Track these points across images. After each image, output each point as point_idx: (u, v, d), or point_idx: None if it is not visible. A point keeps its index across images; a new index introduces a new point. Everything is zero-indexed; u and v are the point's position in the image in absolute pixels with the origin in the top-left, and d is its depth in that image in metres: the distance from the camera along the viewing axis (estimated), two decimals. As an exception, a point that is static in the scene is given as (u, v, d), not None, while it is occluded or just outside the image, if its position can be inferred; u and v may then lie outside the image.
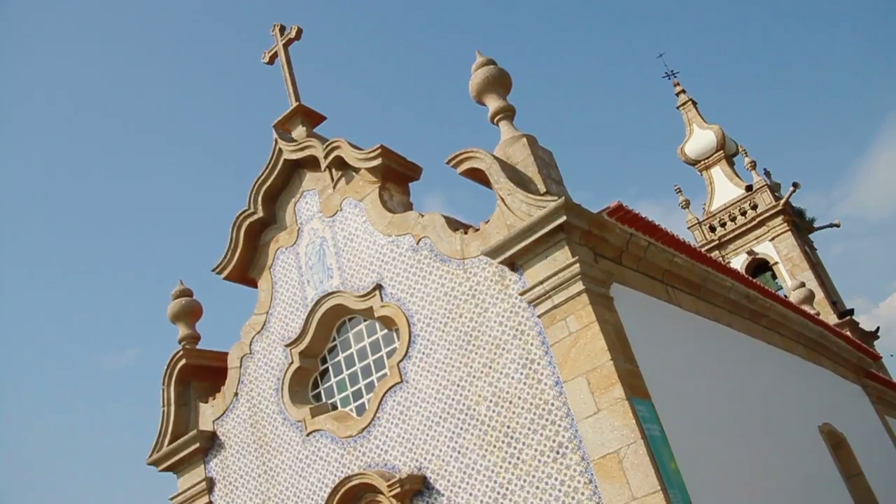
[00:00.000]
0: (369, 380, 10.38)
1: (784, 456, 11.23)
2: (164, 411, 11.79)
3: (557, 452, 8.13)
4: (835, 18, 63.73)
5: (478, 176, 9.41)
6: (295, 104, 11.99)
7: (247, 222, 11.75)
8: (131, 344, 52.27)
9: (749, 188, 28.64)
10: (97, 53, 49.15)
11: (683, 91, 31.98)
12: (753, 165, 28.93)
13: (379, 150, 10.38)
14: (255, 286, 11.82)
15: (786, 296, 21.81)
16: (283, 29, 12.73)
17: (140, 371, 48.48)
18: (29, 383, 42.37)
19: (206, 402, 11.80)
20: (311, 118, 12.02)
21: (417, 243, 9.89)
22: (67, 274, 46.66)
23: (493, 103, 9.89)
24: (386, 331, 10.34)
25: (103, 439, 42.77)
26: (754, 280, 14.60)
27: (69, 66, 47.91)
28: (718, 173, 29.98)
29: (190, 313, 12.48)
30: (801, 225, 28.85)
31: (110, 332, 48.56)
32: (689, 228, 29.57)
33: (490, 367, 8.84)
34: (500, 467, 8.51)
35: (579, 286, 8.26)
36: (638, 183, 73.30)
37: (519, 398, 8.53)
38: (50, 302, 44.94)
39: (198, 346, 12.23)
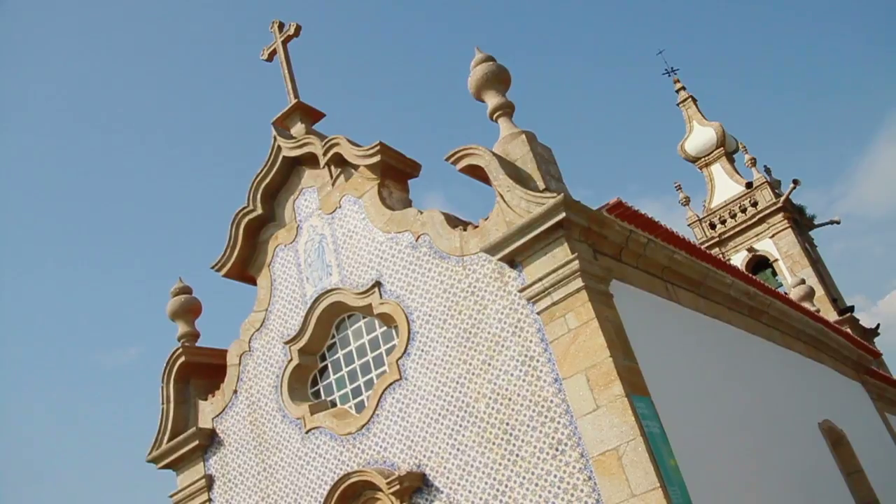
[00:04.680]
0: (368, 377, 10.38)
1: (784, 453, 11.22)
2: (163, 409, 11.79)
3: (557, 449, 8.12)
4: (835, 15, 63.69)
5: (477, 173, 9.39)
6: (294, 101, 11.98)
7: (246, 219, 11.74)
8: (133, 342, 52.31)
9: (749, 185, 28.59)
10: (95, 51, 49.13)
11: (683, 88, 31.90)
12: (754, 162, 28.88)
13: (378, 147, 10.36)
14: (255, 283, 11.81)
15: (786, 293, 21.79)
16: (281, 26, 12.71)
17: (141, 369, 48.53)
18: (30, 381, 42.41)
19: (206, 399, 11.79)
20: (309, 115, 12.01)
21: (416, 240, 9.88)
22: (68, 272, 46.69)
23: (492, 100, 9.87)
24: (385, 328, 10.33)
25: (105, 437, 42.81)
26: (754, 277, 14.58)
27: (67, 63, 47.90)
28: (719, 170, 29.93)
29: (189, 311, 12.48)
30: (801, 222, 28.80)
31: (112, 331, 48.60)
32: (689, 225, 29.54)
33: (489, 364, 8.83)
34: (500, 464, 8.50)
35: (578, 283, 8.25)
36: (638, 180, 73.33)
37: (518, 395, 8.52)
38: (51, 300, 44.98)
39: (197, 344, 12.23)
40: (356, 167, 10.83)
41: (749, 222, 27.94)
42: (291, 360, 10.88)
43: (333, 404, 10.67)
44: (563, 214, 8.27)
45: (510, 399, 8.57)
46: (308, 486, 10.19)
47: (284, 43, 12.62)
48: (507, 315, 8.83)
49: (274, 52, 12.69)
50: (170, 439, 11.63)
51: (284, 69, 12.42)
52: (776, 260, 27.19)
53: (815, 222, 29.81)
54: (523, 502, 8.22)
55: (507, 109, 9.81)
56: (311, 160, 11.49)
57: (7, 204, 42.99)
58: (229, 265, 11.75)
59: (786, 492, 10.53)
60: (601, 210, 9.17)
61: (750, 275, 14.74)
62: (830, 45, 66.48)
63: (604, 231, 8.92)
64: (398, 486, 8.95)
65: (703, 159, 30.26)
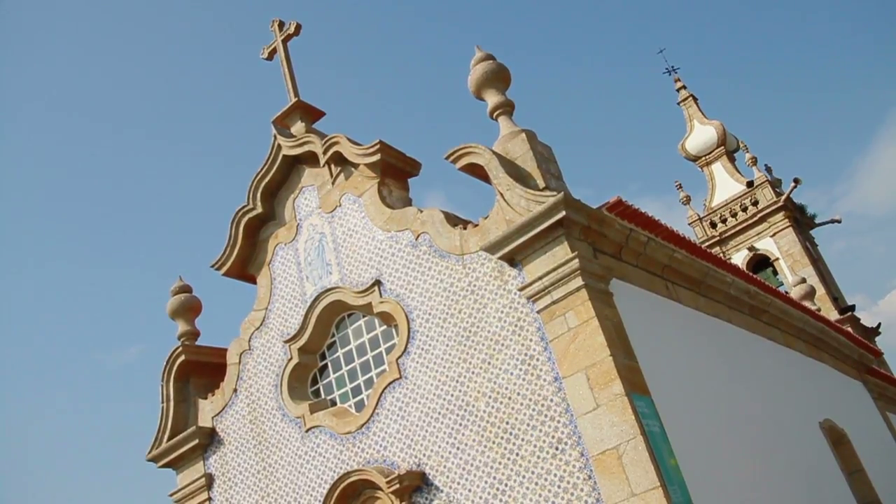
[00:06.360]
0: (368, 376, 10.37)
1: (784, 452, 11.21)
2: (163, 407, 11.79)
3: (557, 448, 8.11)
4: (836, 14, 63.60)
5: (477, 171, 9.38)
6: (294, 100, 11.96)
7: (246, 218, 11.73)
8: (133, 341, 52.31)
9: (750, 184, 28.54)
10: (95, 50, 49.13)
11: (684, 87, 31.84)
12: (754, 161, 28.84)
13: (378, 146, 10.35)
14: (255, 282, 11.80)
15: (787, 292, 21.77)
16: (281, 25, 12.70)
17: (142, 368, 48.53)
18: (32, 381, 42.43)
19: (206, 398, 11.79)
20: (309, 114, 12.00)
21: (416, 239, 9.87)
22: (69, 271, 46.69)
23: (492, 98, 9.86)
24: (385, 327, 10.32)
25: (105, 437, 42.82)
26: (755, 276, 14.56)
27: (67, 63, 47.89)
28: (719, 169, 29.89)
29: (189, 309, 12.48)
30: (802, 221, 28.75)
31: (112, 330, 48.61)
32: (689, 224, 29.49)
33: (489, 363, 8.82)
34: (500, 463, 8.49)
35: (578, 282, 8.23)
36: (639, 179, 73.26)
37: (518, 394, 8.51)
38: (52, 300, 44.98)
39: (197, 343, 12.22)
40: (356, 166, 10.82)
41: (750, 221, 27.89)
42: (291, 358, 10.87)
43: (333, 403, 10.66)
44: (563, 213, 8.26)
45: (510, 398, 8.56)
46: (308, 485, 10.18)
47: (285, 42, 12.61)
48: (506, 314, 8.82)
49: (274, 51, 12.68)
50: (170, 438, 11.63)
51: (284, 68, 12.40)
52: (777, 259, 27.15)
53: (816, 221, 29.76)
54: (523, 501, 8.21)
55: (506, 108, 9.80)
56: (311, 159, 11.48)
57: (7, 203, 43.03)
58: (229, 264, 11.75)
59: (787, 491, 10.51)
60: (601, 209, 9.16)
61: (750, 274, 14.71)
62: (831, 44, 66.45)
63: (604, 230, 8.90)
64: (398, 485, 8.94)
65: (703, 158, 30.22)
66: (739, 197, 28.54)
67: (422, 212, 9.96)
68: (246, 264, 11.86)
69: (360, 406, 10.32)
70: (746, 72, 66.51)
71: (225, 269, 11.78)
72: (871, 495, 13.38)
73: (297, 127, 11.83)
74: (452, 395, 9.05)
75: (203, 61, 53.87)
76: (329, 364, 10.91)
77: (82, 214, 47.92)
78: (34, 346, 43.56)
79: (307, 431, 10.38)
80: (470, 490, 8.66)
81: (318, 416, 10.34)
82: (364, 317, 10.65)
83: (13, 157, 43.56)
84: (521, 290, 8.67)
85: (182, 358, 11.78)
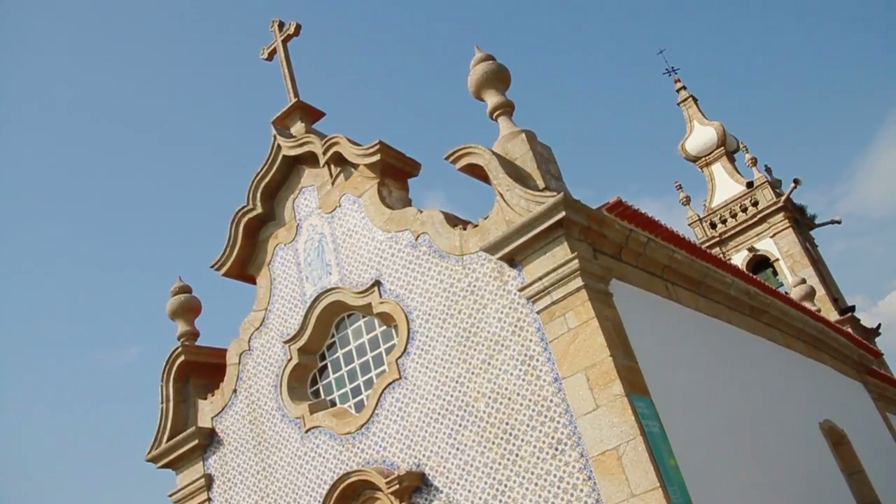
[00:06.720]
0: (368, 376, 10.36)
1: (784, 453, 11.20)
2: (162, 408, 11.79)
3: (556, 449, 8.10)
4: (836, 15, 63.60)
5: (477, 172, 9.38)
6: (294, 100, 11.97)
7: (245, 218, 11.73)
8: (133, 342, 52.29)
9: (750, 185, 28.55)
10: (94, 50, 49.12)
11: (684, 87, 31.86)
12: (754, 162, 28.85)
13: (377, 146, 10.35)
14: (254, 282, 11.80)
15: (787, 292, 21.76)
16: (281, 25, 12.70)
17: (142, 368, 48.52)
18: (31, 381, 42.41)
19: (205, 398, 11.79)
20: (309, 114, 12.00)
21: (416, 239, 9.87)
22: (69, 272, 46.68)
23: (491, 99, 9.86)
24: (385, 327, 10.31)
25: (105, 437, 42.81)
26: (755, 276, 14.56)
27: (67, 63, 47.89)
28: (719, 170, 29.90)
29: (189, 310, 12.48)
30: (802, 221, 28.75)
31: (112, 330, 48.60)
32: (689, 225, 29.50)
33: (489, 364, 8.82)
34: (499, 464, 8.48)
35: (578, 282, 8.23)
36: (639, 180, 73.28)
37: (518, 395, 8.50)
38: (52, 300, 44.97)
39: (197, 343, 12.22)
40: (356, 166, 10.82)
41: (750, 222, 27.90)
42: (291, 359, 10.86)
43: (333, 403, 10.66)
44: (562, 213, 8.25)
45: (510, 398, 8.55)
46: (307, 486, 10.18)
47: (284, 42, 12.61)
48: (506, 314, 8.81)
49: (274, 52, 12.68)
50: (169, 438, 11.62)
51: (284, 68, 12.41)
52: (777, 259, 27.15)
53: (816, 222, 29.77)
54: (523, 502, 8.21)
55: (506, 108, 9.80)
56: (310, 159, 11.48)
57: (8, 203, 43.02)
58: (229, 264, 11.74)
59: (786, 492, 10.51)
60: (601, 209, 9.16)
61: (750, 274, 14.71)
62: (831, 44, 66.45)
63: (604, 230, 8.90)
64: (397, 486, 8.93)
65: (703, 159, 30.23)
66: (739, 197, 28.55)
67: (421, 212, 9.96)
68: (246, 265, 11.86)
69: (359, 406, 10.31)
70: (746, 72, 66.55)
71: (225, 269, 11.78)
72: (871, 496, 13.37)
73: (297, 127, 11.83)
74: (452, 396, 9.04)
75: (203, 61, 53.89)
76: (329, 364, 10.91)
77: (82, 215, 47.92)
78: (34, 345, 43.57)
79: (307, 432, 10.37)
80: (470, 491, 8.65)
81: (318, 416, 10.34)
82: (364, 317, 10.64)
83: (13, 157, 43.57)
84: (520, 290, 8.66)
85: (182, 358, 11.78)
